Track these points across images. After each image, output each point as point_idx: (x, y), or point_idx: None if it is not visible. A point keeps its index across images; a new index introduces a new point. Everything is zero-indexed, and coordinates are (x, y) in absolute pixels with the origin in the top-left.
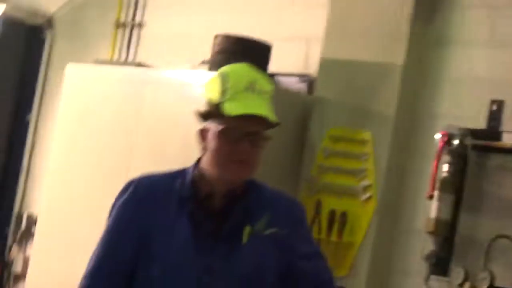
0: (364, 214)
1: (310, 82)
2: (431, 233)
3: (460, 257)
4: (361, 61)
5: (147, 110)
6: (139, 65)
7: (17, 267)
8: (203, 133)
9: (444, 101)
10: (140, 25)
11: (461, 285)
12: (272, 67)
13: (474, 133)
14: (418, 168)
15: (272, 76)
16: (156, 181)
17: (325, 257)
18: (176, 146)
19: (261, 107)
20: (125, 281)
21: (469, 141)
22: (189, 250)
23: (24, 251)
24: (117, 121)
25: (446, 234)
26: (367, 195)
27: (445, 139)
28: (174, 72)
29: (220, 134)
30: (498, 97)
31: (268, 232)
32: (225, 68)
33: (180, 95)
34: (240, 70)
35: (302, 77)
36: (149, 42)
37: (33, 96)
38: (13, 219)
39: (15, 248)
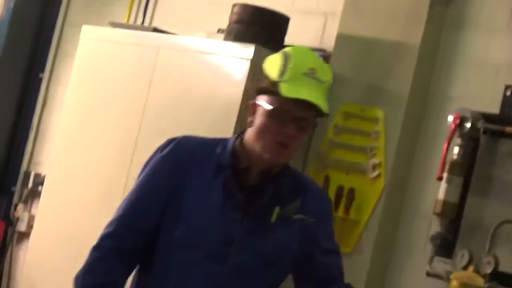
0: (372, 192)
1: (325, 57)
2: (438, 214)
3: (465, 240)
4: (377, 39)
5: (160, 75)
6: (155, 30)
7: (22, 226)
8: (253, 107)
9: (459, 84)
10: None
11: (464, 268)
12: (289, 39)
13: (487, 117)
14: (429, 149)
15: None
16: (197, 144)
17: (341, 255)
18: (188, 112)
19: (316, 95)
20: (148, 236)
21: (481, 125)
22: (217, 218)
23: (30, 210)
24: (130, 85)
25: (452, 216)
26: (376, 173)
27: (457, 122)
28: (190, 39)
29: (270, 113)
30: None
31: (296, 217)
32: (290, 49)
33: (195, 62)
34: (304, 53)
35: (318, 51)
36: (166, 7)
37: (47, 55)
38: (20, 177)
39: (20, 207)
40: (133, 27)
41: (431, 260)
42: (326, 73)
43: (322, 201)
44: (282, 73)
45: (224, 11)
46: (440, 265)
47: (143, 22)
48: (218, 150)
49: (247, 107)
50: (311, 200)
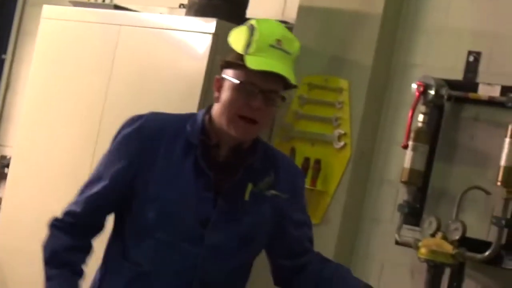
0: (338, 163)
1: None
2: (405, 183)
3: (433, 208)
4: (339, 9)
5: (122, 53)
6: (116, 7)
7: None
8: (219, 82)
9: (422, 51)
10: None
11: (433, 235)
12: (250, 12)
13: (450, 84)
14: (394, 118)
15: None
16: (165, 121)
17: (312, 227)
18: (152, 89)
19: (283, 66)
20: (110, 212)
21: (445, 92)
22: (190, 198)
23: None
24: (93, 64)
25: (419, 184)
26: (342, 143)
27: (421, 89)
28: (151, 16)
29: (236, 87)
30: (476, 48)
31: (269, 193)
32: (255, 21)
33: (157, 39)
34: (270, 25)
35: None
36: None
37: (9, 36)
38: None
39: None
40: (94, 5)
41: (399, 229)
42: (293, 44)
43: (295, 175)
44: (247, 45)
45: None
46: (409, 233)
47: (104, 0)
48: (188, 127)
49: (213, 82)
50: (283, 175)
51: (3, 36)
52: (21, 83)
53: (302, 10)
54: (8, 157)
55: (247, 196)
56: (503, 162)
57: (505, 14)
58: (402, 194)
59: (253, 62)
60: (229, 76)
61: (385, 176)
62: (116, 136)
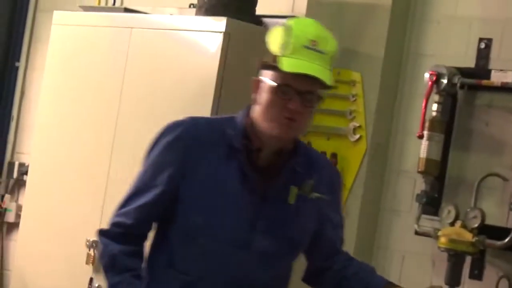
0: (354, 155)
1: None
2: (422, 173)
3: (451, 196)
4: (348, 2)
5: (134, 55)
6: (126, 10)
7: (10, 217)
8: (257, 84)
9: (433, 40)
10: None
11: (452, 224)
12: (260, 9)
13: (463, 72)
14: (408, 109)
15: (259, 18)
16: (205, 126)
17: (344, 226)
18: (165, 90)
19: (317, 67)
20: (157, 221)
21: (457, 80)
22: (236, 204)
23: (17, 200)
24: (106, 67)
25: (436, 173)
26: (357, 136)
27: (434, 78)
28: (161, 17)
29: (273, 89)
30: (486, 35)
31: (313, 196)
32: (291, 21)
33: (168, 40)
34: (305, 25)
35: (290, 18)
36: None
37: (22, 43)
38: (5, 168)
39: (7, 197)
40: (104, 9)
41: (418, 219)
42: (328, 44)
43: (333, 176)
44: (283, 47)
45: None
46: (428, 223)
47: (114, 3)
48: (229, 131)
49: (251, 83)
50: (324, 175)
51: (16, 43)
52: (35, 90)
53: (312, 4)
54: (26, 164)
55: (292, 200)
56: None
57: None
58: (420, 184)
59: (287, 65)
60: (266, 77)
61: (402, 167)
62: (155, 143)
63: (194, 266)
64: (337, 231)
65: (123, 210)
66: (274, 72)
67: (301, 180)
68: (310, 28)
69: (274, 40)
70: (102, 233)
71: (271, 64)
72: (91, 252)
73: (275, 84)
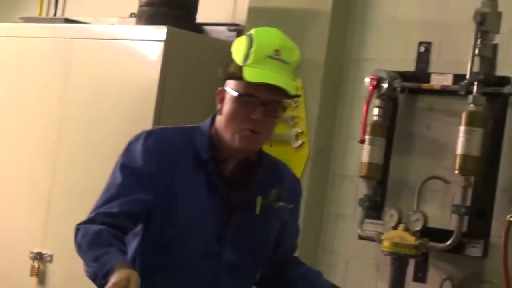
0: (297, 161)
1: (239, 31)
2: (364, 177)
3: (394, 200)
4: (288, 8)
5: (76, 66)
6: (67, 21)
7: None
8: (221, 94)
9: (373, 45)
10: None
11: (395, 227)
12: (200, 17)
13: (403, 76)
14: (350, 114)
15: (200, 26)
16: (175, 137)
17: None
18: (108, 100)
19: (281, 77)
20: (128, 229)
21: (398, 84)
22: (204, 215)
23: None
24: (48, 78)
25: (378, 177)
26: (299, 142)
27: (374, 83)
28: (102, 27)
29: (236, 99)
30: (426, 38)
31: (277, 205)
32: (254, 30)
33: (109, 50)
34: (268, 35)
35: (231, 26)
36: None
37: None
38: None
39: None
40: (44, 20)
41: (361, 223)
42: (292, 54)
43: (295, 184)
44: (246, 57)
45: None
46: (371, 227)
47: (55, 14)
48: (197, 142)
49: (216, 93)
50: (287, 184)
51: None
52: None
53: (252, 12)
54: None
55: (258, 210)
56: (459, 150)
57: (452, 3)
58: (363, 189)
59: (250, 74)
60: (230, 87)
61: (344, 172)
62: (126, 152)
63: (165, 277)
64: (294, 239)
65: (105, 209)
66: (237, 82)
67: (266, 190)
68: (273, 37)
69: (238, 50)
70: (81, 222)
71: (235, 74)
72: (35, 264)
73: (237, 94)
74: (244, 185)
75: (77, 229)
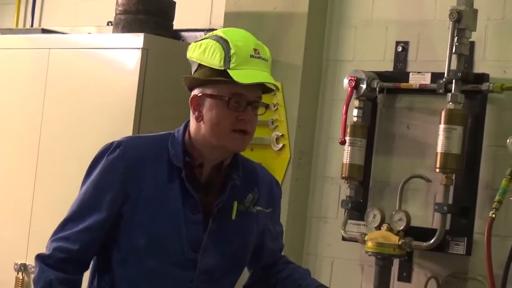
0: (278, 164)
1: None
2: (345, 178)
3: (376, 200)
4: (265, 12)
5: (54, 76)
6: (44, 31)
7: None
8: (197, 101)
9: (351, 46)
10: None
11: (378, 228)
12: (177, 23)
13: (382, 76)
14: (330, 115)
15: (177, 32)
16: (144, 145)
17: (283, 234)
18: (87, 109)
19: (267, 75)
20: (100, 243)
21: (376, 84)
22: (179, 223)
23: None
24: (26, 90)
25: (360, 178)
26: (280, 145)
27: (353, 84)
28: (79, 36)
29: (225, 103)
30: (403, 38)
31: (254, 210)
32: (222, 33)
33: (87, 59)
34: (239, 36)
35: (208, 31)
36: (53, 6)
37: None
38: None
39: None
40: (21, 31)
41: (344, 225)
42: (265, 50)
43: (273, 187)
44: (227, 60)
45: (112, 3)
46: (354, 228)
47: (32, 24)
48: (170, 149)
49: (190, 101)
50: (265, 188)
51: None
52: None
53: (229, 16)
54: None
55: (234, 216)
56: (439, 148)
57: (427, 1)
58: (345, 190)
59: (242, 76)
60: (211, 93)
61: (326, 174)
62: (94, 164)
63: (142, 286)
64: (277, 241)
65: (64, 234)
66: (220, 86)
67: (242, 194)
68: (246, 37)
69: (212, 55)
70: (40, 258)
71: (215, 79)
72: (20, 275)
73: (227, 97)
74: (220, 190)
75: (36, 261)
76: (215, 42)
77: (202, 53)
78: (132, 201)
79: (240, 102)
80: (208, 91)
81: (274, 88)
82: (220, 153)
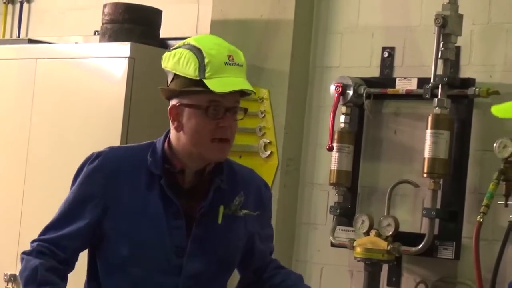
0: (267, 171)
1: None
2: (334, 184)
3: (364, 206)
4: (251, 19)
5: (42, 86)
6: (30, 41)
7: None
8: (175, 111)
9: (338, 52)
10: (29, 0)
11: (366, 233)
12: (165, 32)
13: (368, 82)
14: (317, 122)
15: (164, 41)
16: (124, 155)
17: (273, 237)
18: (75, 119)
19: (242, 80)
20: (82, 249)
21: (363, 90)
22: (162, 230)
23: None
24: (13, 100)
25: (348, 184)
26: (268, 152)
27: (340, 90)
28: (65, 46)
29: (203, 112)
30: (389, 44)
31: (241, 213)
32: (194, 42)
33: (74, 68)
34: (211, 43)
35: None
36: (40, 16)
37: None
38: None
39: None
40: (7, 42)
41: (333, 231)
42: (240, 55)
43: (263, 191)
44: (201, 69)
45: (98, 12)
46: (343, 234)
47: (19, 34)
48: (148, 158)
49: (168, 112)
50: (252, 191)
51: None
52: None
53: (215, 24)
54: None
55: (220, 220)
56: (426, 153)
57: (412, 7)
58: (333, 196)
59: (216, 85)
60: (188, 102)
61: (315, 180)
62: (77, 173)
63: None
64: (266, 244)
65: (45, 237)
66: (197, 96)
67: (228, 198)
68: (218, 44)
69: (187, 65)
70: (24, 253)
71: (191, 89)
72: (9, 286)
73: (205, 106)
74: (204, 195)
75: (22, 259)
76: (188, 51)
77: (176, 62)
78: (112, 210)
79: (219, 110)
80: (186, 101)
81: (250, 92)
82: (201, 162)
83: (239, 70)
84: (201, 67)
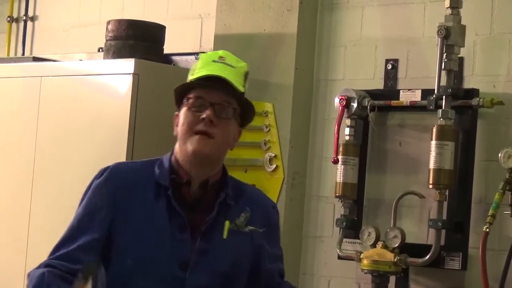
0: (272, 185)
1: None
2: (339, 197)
3: (371, 218)
4: (254, 34)
5: (46, 104)
6: (35, 59)
7: None
8: (176, 119)
9: (341, 65)
10: (33, 18)
11: (373, 245)
12: (168, 47)
13: (372, 94)
14: (322, 135)
15: (168, 56)
16: (131, 169)
17: (283, 259)
18: (80, 136)
19: (224, 73)
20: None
21: (367, 103)
22: (165, 241)
23: None
24: (18, 118)
25: (354, 197)
26: (274, 166)
27: (344, 103)
28: (70, 63)
29: (186, 109)
30: (392, 56)
31: (247, 229)
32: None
33: (78, 85)
34: (215, 51)
35: (199, 55)
36: (44, 34)
37: None
38: None
39: None
40: (12, 60)
41: (340, 243)
42: (237, 61)
43: (270, 211)
44: (193, 70)
45: (102, 29)
46: (350, 246)
47: (23, 53)
48: (156, 170)
49: (174, 120)
50: (259, 209)
51: None
52: None
53: (218, 39)
54: None
55: (225, 234)
56: (432, 164)
57: (415, 19)
58: (339, 209)
59: (195, 76)
60: (180, 102)
61: (320, 193)
62: (87, 188)
63: None
64: (275, 264)
65: (58, 254)
66: (188, 94)
67: (234, 214)
68: (220, 51)
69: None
70: (31, 269)
71: (182, 90)
72: None
73: (190, 101)
74: (209, 208)
75: (28, 275)
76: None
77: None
78: (119, 222)
79: (203, 104)
80: (180, 103)
81: (234, 83)
82: (193, 163)
83: (227, 69)
84: (193, 70)
